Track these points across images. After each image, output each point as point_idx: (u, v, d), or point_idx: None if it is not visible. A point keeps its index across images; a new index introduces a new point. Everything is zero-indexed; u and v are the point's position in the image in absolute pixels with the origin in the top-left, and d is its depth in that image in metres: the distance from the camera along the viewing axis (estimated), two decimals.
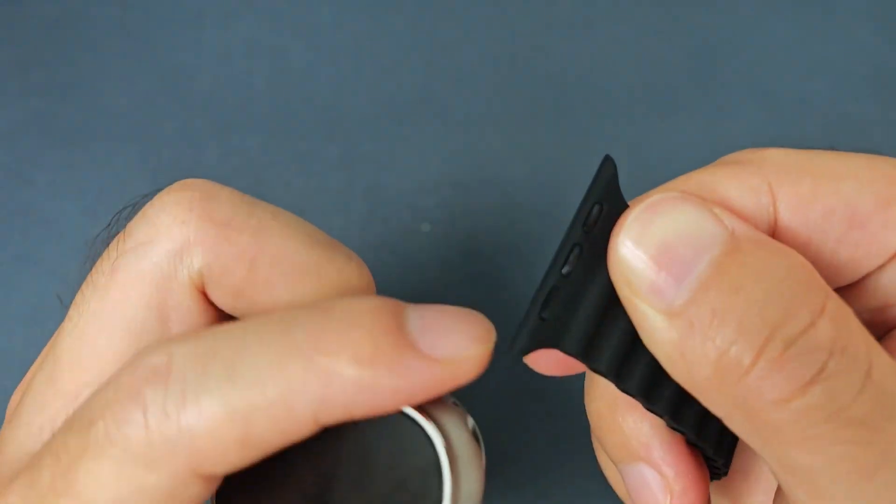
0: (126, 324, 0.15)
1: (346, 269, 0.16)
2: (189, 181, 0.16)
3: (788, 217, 0.15)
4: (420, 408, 0.15)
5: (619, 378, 0.15)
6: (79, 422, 0.14)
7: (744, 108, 0.37)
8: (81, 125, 0.36)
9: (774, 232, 0.16)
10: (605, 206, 0.14)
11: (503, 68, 0.38)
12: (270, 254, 0.15)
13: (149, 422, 0.13)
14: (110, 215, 0.20)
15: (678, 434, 0.17)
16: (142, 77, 0.37)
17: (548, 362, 0.18)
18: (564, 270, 0.14)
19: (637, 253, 0.14)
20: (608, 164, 0.14)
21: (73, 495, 0.13)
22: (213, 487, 0.14)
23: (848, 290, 0.17)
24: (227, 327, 0.14)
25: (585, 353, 0.14)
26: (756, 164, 0.16)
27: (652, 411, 0.15)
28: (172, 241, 0.15)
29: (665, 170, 0.35)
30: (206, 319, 0.16)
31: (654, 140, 0.36)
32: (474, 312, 0.14)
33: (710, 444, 0.16)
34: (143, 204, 0.17)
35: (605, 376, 0.15)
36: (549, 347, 0.14)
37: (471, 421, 0.16)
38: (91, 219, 0.34)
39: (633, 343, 0.15)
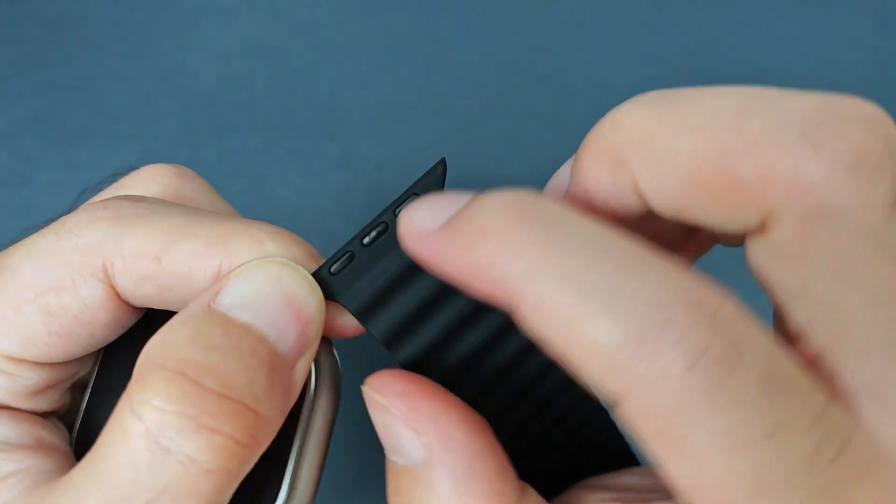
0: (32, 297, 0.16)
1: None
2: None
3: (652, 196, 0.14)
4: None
5: (391, 345, 0.16)
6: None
7: None
8: (82, 125, 0.36)
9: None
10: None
11: (503, 68, 0.38)
12: (174, 250, 0.16)
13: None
14: None
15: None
16: (142, 77, 0.37)
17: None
18: (365, 240, 0.16)
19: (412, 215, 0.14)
20: (440, 165, 0.16)
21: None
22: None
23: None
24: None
25: (363, 314, 0.16)
26: (611, 139, 0.15)
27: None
28: (82, 238, 0.16)
29: None
30: (110, 303, 0.17)
31: None
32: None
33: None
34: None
35: (378, 338, 0.16)
36: (330, 299, 0.16)
37: (335, 353, 0.18)
38: None
39: (415, 319, 0.15)
